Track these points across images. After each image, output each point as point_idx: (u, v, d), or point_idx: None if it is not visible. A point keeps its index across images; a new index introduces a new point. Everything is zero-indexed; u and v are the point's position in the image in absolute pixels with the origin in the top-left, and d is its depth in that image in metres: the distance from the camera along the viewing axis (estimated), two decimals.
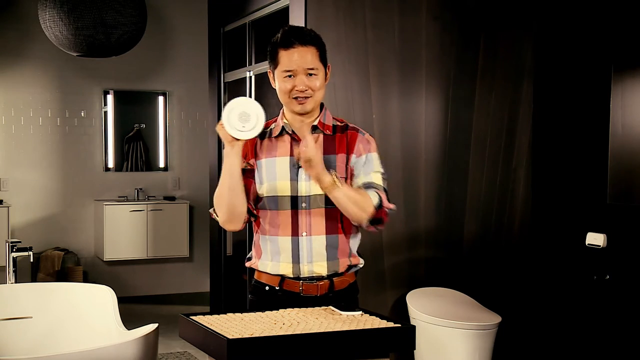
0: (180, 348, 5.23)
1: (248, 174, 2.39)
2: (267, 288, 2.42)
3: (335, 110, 3.94)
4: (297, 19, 3.98)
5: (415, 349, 2.12)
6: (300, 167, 2.32)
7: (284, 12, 4.29)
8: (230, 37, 5.44)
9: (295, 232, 2.36)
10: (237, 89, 5.34)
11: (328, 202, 2.33)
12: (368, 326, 2.07)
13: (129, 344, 2.39)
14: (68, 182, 6.95)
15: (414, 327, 2.09)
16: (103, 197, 7.06)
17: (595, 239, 3.84)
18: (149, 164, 7.30)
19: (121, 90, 7.13)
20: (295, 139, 2.40)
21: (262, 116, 2.25)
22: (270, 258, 2.40)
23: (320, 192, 2.32)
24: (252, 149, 2.42)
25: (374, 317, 2.19)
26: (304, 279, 2.37)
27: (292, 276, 2.37)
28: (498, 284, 4.36)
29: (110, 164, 7.12)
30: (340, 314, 2.21)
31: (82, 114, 7.00)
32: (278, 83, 2.39)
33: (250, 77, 5.07)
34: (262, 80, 5.16)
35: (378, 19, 4.02)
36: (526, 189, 4.40)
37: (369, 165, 2.39)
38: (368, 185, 2.36)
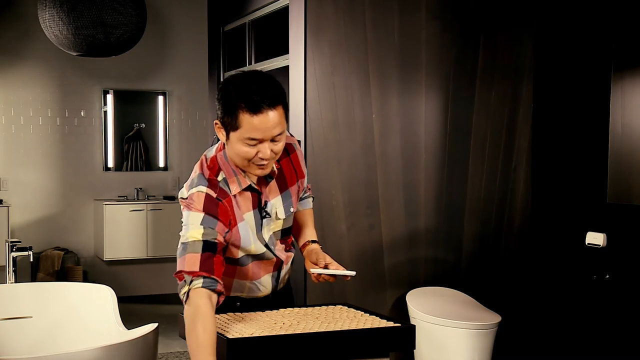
0: (180, 348, 5.23)
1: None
2: (237, 304, 2.34)
3: (335, 109, 3.94)
4: (297, 19, 3.98)
5: (415, 348, 2.12)
6: (265, 217, 2.23)
7: (284, 12, 4.28)
8: (230, 36, 5.44)
9: (277, 268, 2.34)
10: None
11: (282, 234, 2.32)
12: (368, 326, 2.07)
13: (128, 344, 2.39)
14: (68, 181, 6.95)
15: (414, 326, 2.10)
16: (103, 196, 7.06)
17: (595, 238, 3.84)
18: (149, 164, 7.29)
19: (121, 90, 7.13)
20: (257, 191, 2.21)
21: None
22: (247, 292, 2.33)
23: (275, 229, 2.28)
24: (234, 215, 2.18)
25: (374, 316, 2.19)
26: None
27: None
28: (498, 283, 4.36)
29: (110, 164, 7.12)
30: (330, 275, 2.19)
31: (82, 113, 7.00)
32: (236, 146, 2.07)
33: None
34: None
35: (378, 19, 4.02)
36: (526, 188, 4.40)
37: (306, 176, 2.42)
38: (305, 190, 2.43)
